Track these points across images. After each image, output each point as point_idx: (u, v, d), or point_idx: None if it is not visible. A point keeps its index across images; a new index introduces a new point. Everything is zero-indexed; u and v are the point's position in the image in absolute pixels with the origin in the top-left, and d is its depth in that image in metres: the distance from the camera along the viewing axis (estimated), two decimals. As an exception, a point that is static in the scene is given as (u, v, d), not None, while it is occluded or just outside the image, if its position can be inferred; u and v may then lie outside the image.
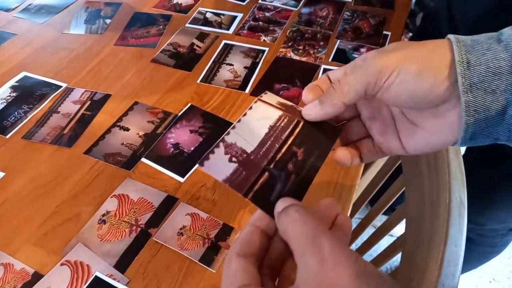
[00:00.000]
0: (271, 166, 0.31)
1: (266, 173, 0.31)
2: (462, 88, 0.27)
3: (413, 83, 0.28)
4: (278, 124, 0.33)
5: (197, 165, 0.55)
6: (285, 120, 0.34)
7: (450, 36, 0.29)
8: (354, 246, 0.92)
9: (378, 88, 0.30)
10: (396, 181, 0.73)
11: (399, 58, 0.29)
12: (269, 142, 0.32)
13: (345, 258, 0.22)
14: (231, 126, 0.33)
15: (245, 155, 0.32)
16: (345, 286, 0.21)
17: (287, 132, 0.33)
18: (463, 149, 0.81)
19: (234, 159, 0.31)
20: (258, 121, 0.33)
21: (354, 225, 0.82)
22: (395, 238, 0.64)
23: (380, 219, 0.77)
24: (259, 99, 0.35)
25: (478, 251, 0.99)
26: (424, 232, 0.54)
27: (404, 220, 0.64)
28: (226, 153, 0.32)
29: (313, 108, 0.32)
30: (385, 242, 0.70)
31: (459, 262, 0.45)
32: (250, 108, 0.35)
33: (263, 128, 0.33)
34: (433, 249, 0.48)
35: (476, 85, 0.27)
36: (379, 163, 0.78)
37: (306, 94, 0.33)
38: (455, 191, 0.52)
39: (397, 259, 0.61)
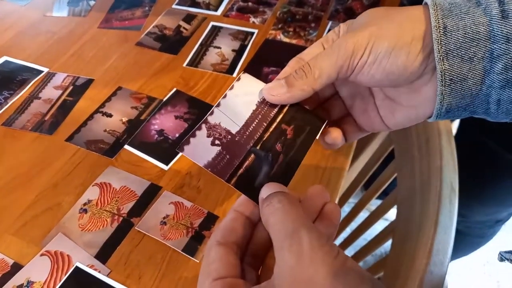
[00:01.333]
0: (258, 147, 0.29)
1: (252, 155, 0.29)
2: (437, 55, 0.26)
3: (387, 60, 0.27)
4: (261, 102, 0.31)
5: (180, 154, 0.54)
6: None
7: (427, 0, 0.27)
8: (348, 230, 0.92)
9: (350, 71, 0.28)
10: (388, 166, 0.72)
11: (370, 35, 0.27)
12: (257, 121, 0.30)
13: (323, 254, 0.21)
14: (216, 104, 0.31)
15: (229, 136, 0.30)
16: (320, 284, 0.20)
17: (276, 109, 0.30)
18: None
19: (217, 141, 0.30)
20: (245, 96, 0.31)
21: (348, 209, 0.81)
22: (389, 222, 0.63)
23: (375, 203, 0.76)
24: (246, 72, 0.33)
25: (466, 241, 0.99)
26: (414, 218, 0.53)
27: (395, 206, 0.62)
28: (208, 135, 0.30)
29: (277, 89, 0.30)
30: (379, 226, 0.69)
31: (448, 251, 0.44)
32: (238, 79, 0.32)
33: (251, 105, 0.31)
34: (423, 236, 0.47)
35: (452, 52, 0.25)
36: (374, 146, 0.77)
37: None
38: (446, 177, 0.51)
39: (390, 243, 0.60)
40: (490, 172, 0.78)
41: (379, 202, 0.74)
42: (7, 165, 0.54)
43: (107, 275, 0.44)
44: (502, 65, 0.25)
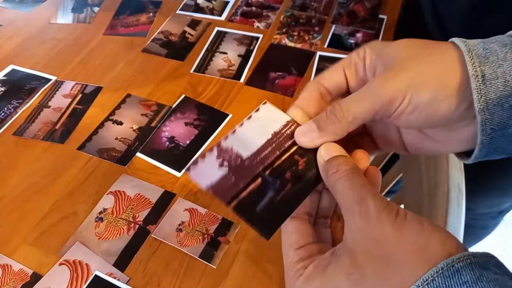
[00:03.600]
0: (267, 172, 0.29)
1: (259, 179, 0.29)
2: (478, 105, 0.25)
3: (427, 110, 0.26)
4: (284, 130, 0.30)
5: (194, 159, 0.55)
6: (293, 128, 0.30)
7: (458, 42, 0.27)
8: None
9: (386, 117, 0.28)
10: (392, 167, 0.73)
11: (410, 83, 0.26)
12: (270, 148, 0.30)
13: (387, 215, 0.24)
14: (231, 130, 0.30)
15: (239, 160, 0.29)
16: (387, 240, 0.23)
17: (292, 140, 0.30)
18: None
19: (225, 163, 0.29)
20: (262, 125, 0.31)
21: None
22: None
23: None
24: (268, 101, 0.32)
25: (470, 233, 1.00)
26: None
27: (402, 206, 0.64)
28: (218, 157, 0.29)
29: (309, 134, 0.29)
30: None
31: (458, 251, 0.45)
32: (257, 110, 0.32)
33: (267, 134, 0.30)
34: (432, 238, 0.48)
35: (493, 101, 0.25)
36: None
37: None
38: (454, 180, 0.52)
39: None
40: (489, 164, 0.79)
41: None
42: (21, 174, 0.54)
43: (126, 283, 0.44)
44: None
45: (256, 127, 0.31)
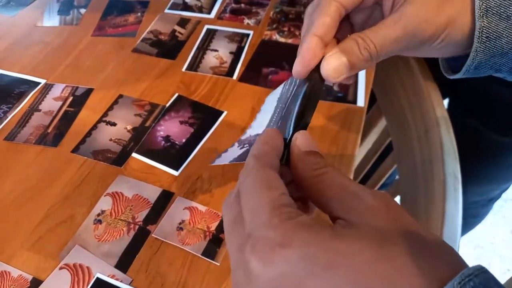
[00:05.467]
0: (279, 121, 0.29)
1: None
2: (478, 11, 0.27)
3: (450, 44, 0.28)
4: (282, 91, 0.32)
5: (189, 158, 0.54)
6: (288, 83, 0.31)
7: None
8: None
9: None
10: (386, 159, 0.74)
11: (448, 22, 0.28)
12: (277, 112, 0.30)
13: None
14: (249, 126, 0.32)
15: (254, 137, 0.30)
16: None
17: (290, 92, 0.31)
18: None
19: (246, 145, 0.30)
20: (268, 105, 0.32)
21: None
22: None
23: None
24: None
25: (461, 222, 1.02)
26: (419, 208, 0.55)
27: (398, 197, 0.64)
28: (239, 146, 0.31)
29: (339, 69, 0.28)
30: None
31: (457, 237, 0.46)
32: (263, 104, 0.34)
33: (272, 106, 0.31)
34: (431, 226, 0.49)
35: (492, 9, 0.26)
36: (370, 141, 0.79)
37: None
38: (449, 166, 0.53)
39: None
40: (479, 153, 0.81)
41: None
42: (14, 180, 0.53)
43: (129, 284, 0.44)
44: None
45: (264, 111, 0.32)
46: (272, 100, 0.32)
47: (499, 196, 0.95)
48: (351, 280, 0.19)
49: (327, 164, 0.24)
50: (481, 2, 0.26)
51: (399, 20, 0.28)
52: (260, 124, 0.31)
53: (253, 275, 0.20)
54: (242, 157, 0.29)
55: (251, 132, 0.32)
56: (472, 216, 1.02)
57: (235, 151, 0.31)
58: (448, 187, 0.51)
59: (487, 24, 0.27)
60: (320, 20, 0.28)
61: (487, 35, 0.27)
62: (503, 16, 0.27)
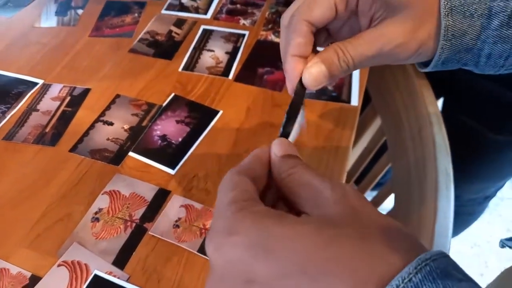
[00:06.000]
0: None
1: None
2: (443, 11, 0.28)
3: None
4: None
5: (186, 157, 0.55)
6: None
7: None
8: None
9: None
10: (381, 158, 0.75)
11: (429, 33, 0.30)
12: None
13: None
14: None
15: None
16: (368, 215, 0.23)
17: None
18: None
19: None
20: None
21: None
22: (385, 212, 0.66)
23: (371, 194, 0.78)
24: None
25: (457, 220, 1.03)
26: (413, 205, 0.56)
27: (393, 195, 0.65)
28: None
29: (319, 78, 0.30)
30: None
31: (449, 233, 0.47)
32: None
33: None
34: (424, 222, 0.50)
35: (456, 8, 0.28)
36: (365, 140, 0.80)
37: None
38: (441, 164, 0.54)
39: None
40: (474, 151, 0.82)
41: (373, 193, 0.76)
42: (12, 179, 0.54)
43: (127, 281, 0.45)
44: (498, 22, 0.28)
45: None
46: None
47: (494, 194, 0.96)
48: (291, 264, 0.20)
49: (297, 164, 0.26)
50: (446, 2, 0.28)
51: (376, 40, 0.30)
52: None
53: (211, 263, 0.22)
54: None
55: None
56: (468, 214, 1.03)
57: None
58: (440, 185, 0.52)
59: (452, 23, 0.28)
60: (294, 41, 0.31)
61: (452, 33, 0.29)
62: (467, 14, 0.28)
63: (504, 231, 1.36)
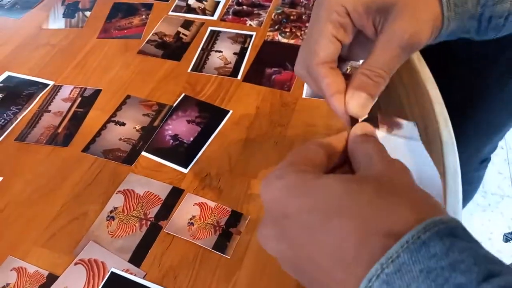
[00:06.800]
0: None
1: None
2: None
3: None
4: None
5: (198, 156, 0.56)
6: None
7: None
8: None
9: None
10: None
11: (433, 27, 0.31)
12: None
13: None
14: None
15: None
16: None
17: None
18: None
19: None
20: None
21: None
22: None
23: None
24: None
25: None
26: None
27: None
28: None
29: (366, 104, 0.31)
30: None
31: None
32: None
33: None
34: (433, 217, 0.50)
35: None
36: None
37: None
38: (449, 162, 0.55)
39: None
40: (470, 108, 0.82)
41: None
42: (26, 179, 0.55)
43: (143, 278, 0.45)
44: None
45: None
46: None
47: (488, 155, 0.96)
48: (315, 202, 0.24)
49: (370, 140, 0.29)
50: None
51: (391, 40, 0.31)
52: None
53: (262, 197, 0.27)
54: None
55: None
56: (467, 183, 1.04)
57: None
58: (449, 181, 0.52)
59: None
60: (324, 84, 0.32)
61: (454, 2, 0.30)
62: None
63: (506, 228, 1.37)
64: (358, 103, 0.31)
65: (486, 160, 0.96)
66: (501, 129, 0.87)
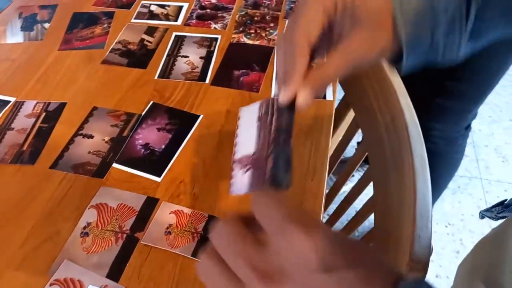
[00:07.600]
0: (270, 150, 0.34)
1: (270, 158, 0.34)
2: (399, 22, 0.32)
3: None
4: (260, 113, 0.35)
5: (170, 164, 0.56)
6: (264, 105, 0.36)
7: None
8: (326, 216, 0.97)
9: None
10: (358, 147, 0.77)
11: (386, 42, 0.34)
12: (262, 132, 0.35)
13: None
14: (234, 144, 0.35)
15: (252, 157, 0.35)
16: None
17: (269, 114, 0.36)
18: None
19: (248, 166, 0.35)
20: (249, 122, 0.36)
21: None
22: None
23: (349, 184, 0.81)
24: (241, 108, 0.38)
25: (447, 163, 1.10)
26: (392, 191, 0.58)
27: (371, 183, 0.68)
28: (241, 167, 0.35)
29: (309, 99, 0.34)
30: (358, 205, 0.74)
31: (429, 214, 0.50)
32: (239, 118, 0.37)
33: (254, 124, 0.35)
34: (404, 206, 0.52)
35: (409, 21, 0.32)
36: (340, 133, 0.82)
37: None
38: (416, 150, 0.56)
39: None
40: (456, 72, 0.87)
41: (352, 183, 0.79)
42: (-7, 201, 0.53)
43: (123, 292, 0.45)
44: (444, 27, 0.32)
45: (245, 128, 0.35)
46: (250, 118, 0.36)
47: (470, 121, 1.02)
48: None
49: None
50: (400, 15, 0.32)
51: (345, 55, 0.33)
52: (246, 144, 0.35)
53: None
54: (253, 185, 0.33)
55: (241, 151, 0.35)
56: (455, 152, 1.09)
57: (241, 178, 0.34)
58: (417, 169, 0.54)
59: (409, 31, 0.32)
60: (298, 65, 0.34)
61: (411, 39, 0.32)
62: (419, 26, 0.32)
63: (476, 208, 1.43)
64: (305, 98, 0.34)
65: (469, 127, 1.04)
66: (482, 98, 0.94)
